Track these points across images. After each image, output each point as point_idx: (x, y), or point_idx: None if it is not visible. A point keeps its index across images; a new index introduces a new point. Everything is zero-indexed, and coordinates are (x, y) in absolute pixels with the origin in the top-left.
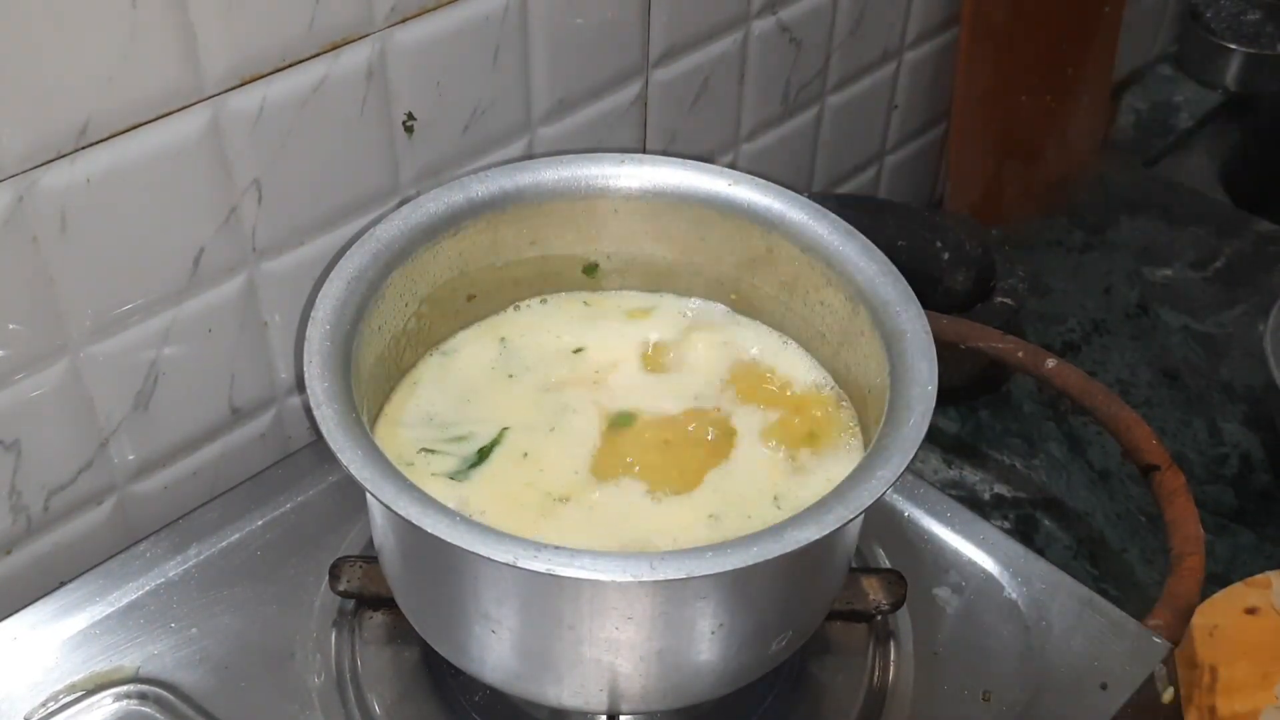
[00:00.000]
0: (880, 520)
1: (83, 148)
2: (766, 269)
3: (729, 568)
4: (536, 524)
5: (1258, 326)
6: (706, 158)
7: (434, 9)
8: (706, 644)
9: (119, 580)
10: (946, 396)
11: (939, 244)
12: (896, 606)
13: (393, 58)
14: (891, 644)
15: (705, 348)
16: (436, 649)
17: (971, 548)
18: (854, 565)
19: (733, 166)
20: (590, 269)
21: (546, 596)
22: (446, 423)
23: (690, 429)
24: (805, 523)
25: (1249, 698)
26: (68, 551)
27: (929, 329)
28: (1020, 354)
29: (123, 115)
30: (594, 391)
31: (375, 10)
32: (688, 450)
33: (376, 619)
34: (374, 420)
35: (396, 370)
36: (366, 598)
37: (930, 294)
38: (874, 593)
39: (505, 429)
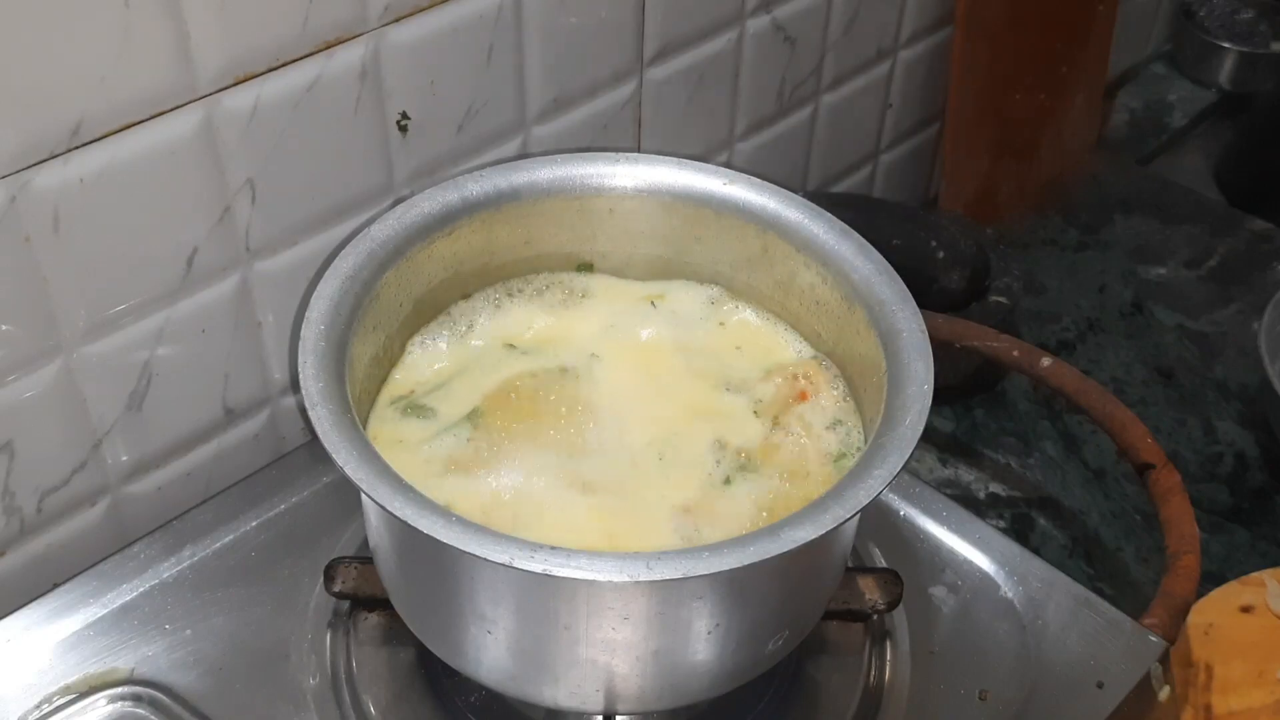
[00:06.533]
0: (876, 520)
1: (76, 147)
2: (762, 268)
3: (725, 568)
4: None
5: (1252, 325)
6: (701, 157)
7: (428, 8)
8: (703, 644)
9: (113, 582)
10: (942, 395)
11: (934, 243)
12: (893, 606)
13: (387, 57)
14: (888, 643)
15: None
16: (432, 650)
17: (967, 547)
18: (850, 565)
19: (727, 166)
20: (585, 268)
21: (542, 597)
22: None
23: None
24: (801, 522)
25: (1244, 696)
26: (61, 553)
27: (925, 328)
28: (1015, 353)
29: (116, 115)
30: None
31: (369, 9)
32: None
33: (371, 620)
34: (367, 414)
35: (391, 369)
36: (361, 599)
37: (925, 293)
38: (870, 592)
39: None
